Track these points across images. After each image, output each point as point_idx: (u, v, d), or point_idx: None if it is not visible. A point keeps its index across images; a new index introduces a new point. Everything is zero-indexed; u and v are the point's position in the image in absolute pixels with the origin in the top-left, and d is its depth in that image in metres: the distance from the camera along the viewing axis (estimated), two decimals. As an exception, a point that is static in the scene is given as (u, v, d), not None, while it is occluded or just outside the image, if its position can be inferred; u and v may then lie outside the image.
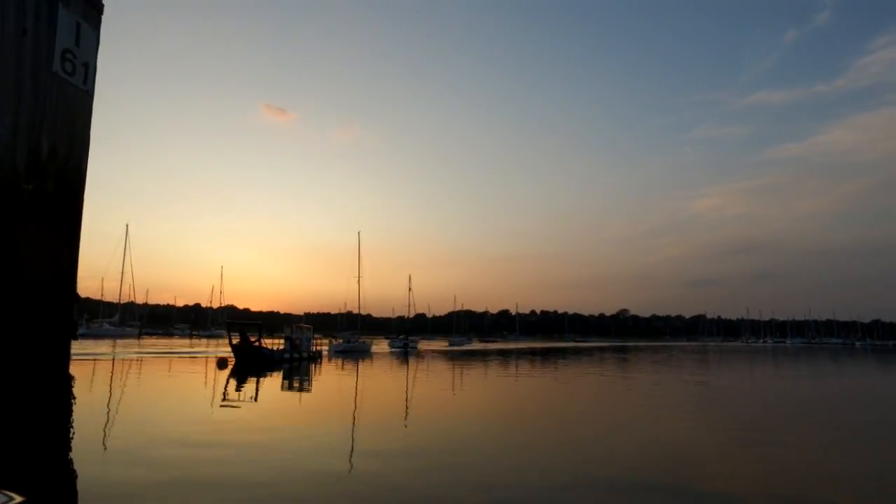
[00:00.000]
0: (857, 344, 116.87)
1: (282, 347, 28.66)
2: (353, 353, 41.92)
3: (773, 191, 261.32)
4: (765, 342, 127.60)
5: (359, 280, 54.46)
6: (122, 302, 76.83)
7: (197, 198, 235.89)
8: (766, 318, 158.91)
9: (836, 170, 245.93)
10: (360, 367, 27.36)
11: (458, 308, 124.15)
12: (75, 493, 5.11)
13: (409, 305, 74.51)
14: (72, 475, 5.75)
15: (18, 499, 1.85)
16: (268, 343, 28.38)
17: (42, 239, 12.23)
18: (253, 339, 27.11)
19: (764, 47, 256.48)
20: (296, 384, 17.32)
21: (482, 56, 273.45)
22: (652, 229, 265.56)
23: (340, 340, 48.00)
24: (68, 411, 10.49)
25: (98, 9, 13.75)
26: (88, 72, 13.43)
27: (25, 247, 11.78)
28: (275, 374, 21.48)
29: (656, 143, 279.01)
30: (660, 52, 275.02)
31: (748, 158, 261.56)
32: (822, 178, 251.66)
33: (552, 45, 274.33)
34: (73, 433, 8.37)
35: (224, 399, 13.29)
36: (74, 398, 12.07)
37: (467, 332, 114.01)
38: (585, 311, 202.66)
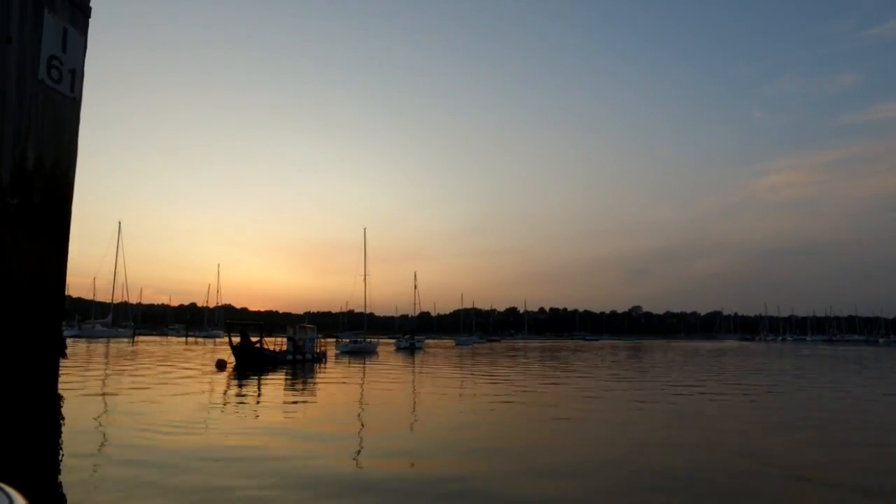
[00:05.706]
0: (881, 340, 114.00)
1: (284, 348, 28.33)
2: (359, 353, 42.50)
3: (854, 163, 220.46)
4: (784, 340, 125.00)
5: (365, 278, 53.96)
6: (114, 302, 75.90)
7: (191, 194, 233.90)
8: (784, 314, 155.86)
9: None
10: (370, 368, 26.79)
11: (466, 306, 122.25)
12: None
13: (414, 304, 73.13)
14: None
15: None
16: (269, 343, 28.03)
17: (28, 253, 11.78)
18: (254, 340, 26.73)
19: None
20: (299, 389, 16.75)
21: (493, 32, 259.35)
22: (692, 217, 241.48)
23: (347, 340, 48.65)
24: (57, 433, 10.10)
25: (85, 12, 13.25)
26: (75, 78, 12.95)
27: (9, 261, 11.33)
28: (278, 376, 21.04)
29: (706, 108, 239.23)
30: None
31: (835, 121, 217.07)
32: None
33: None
34: (63, 455, 8.07)
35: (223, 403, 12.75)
36: (63, 419, 11.68)
37: (474, 330, 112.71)
38: (596, 308, 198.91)
